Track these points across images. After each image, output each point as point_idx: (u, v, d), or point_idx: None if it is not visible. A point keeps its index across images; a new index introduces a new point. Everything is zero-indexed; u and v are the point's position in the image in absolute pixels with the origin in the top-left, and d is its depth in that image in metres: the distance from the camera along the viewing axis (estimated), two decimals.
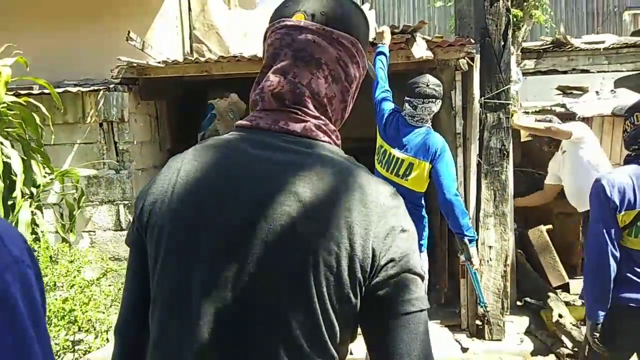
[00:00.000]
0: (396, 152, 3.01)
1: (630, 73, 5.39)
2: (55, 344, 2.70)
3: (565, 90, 4.87)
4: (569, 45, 5.65)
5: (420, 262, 0.83)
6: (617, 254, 2.12)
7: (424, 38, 3.90)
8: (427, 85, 2.99)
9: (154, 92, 4.29)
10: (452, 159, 3.03)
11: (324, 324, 0.76)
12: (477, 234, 3.94)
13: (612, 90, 4.62)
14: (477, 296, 3.52)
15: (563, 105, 4.60)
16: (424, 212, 3.09)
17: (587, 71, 5.84)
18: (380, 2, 9.25)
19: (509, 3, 3.92)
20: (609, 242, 2.11)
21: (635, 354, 2.32)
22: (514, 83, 4.06)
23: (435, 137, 3.00)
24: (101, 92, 3.92)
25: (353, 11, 0.89)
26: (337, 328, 0.77)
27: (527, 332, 3.92)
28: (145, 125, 4.35)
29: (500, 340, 3.80)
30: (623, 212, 2.11)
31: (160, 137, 4.62)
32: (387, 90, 3.27)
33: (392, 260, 0.76)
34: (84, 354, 2.94)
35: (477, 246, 3.91)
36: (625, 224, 2.13)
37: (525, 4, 5.16)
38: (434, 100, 3.00)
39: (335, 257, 0.74)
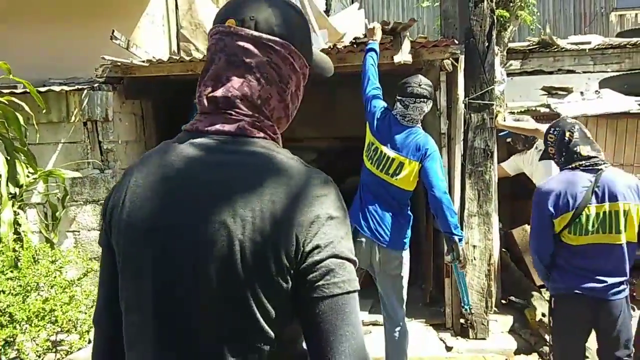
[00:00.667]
0: (387, 151, 3.00)
1: (615, 74, 5.44)
2: (36, 344, 2.69)
3: (550, 91, 4.91)
4: (555, 46, 5.70)
5: (351, 247, 0.86)
6: (548, 258, 2.51)
7: (409, 39, 3.91)
8: (419, 85, 2.98)
9: (139, 91, 4.28)
10: (441, 160, 3.06)
11: (258, 311, 0.81)
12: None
13: (596, 91, 4.66)
14: (460, 297, 3.51)
15: (548, 106, 4.64)
16: (409, 211, 3.09)
17: (572, 72, 5.89)
18: (369, 1, 9.26)
19: (494, 4, 3.95)
20: (542, 258, 2.53)
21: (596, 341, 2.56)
22: (498, 84, 4.09)
23: (426, 138, 3.01)
24: (85, 91, 3.90)
25: (285, 14, 0.91)
26: (273, 313, 0.82)
27: (511, 331, 3.95)
28: (131, 125, 4.33)
29: (484, 339, 3.83)
30: (559, 217, 2.40)
31: (146, 136, 4.60)
32: (378, 87, 3.25)
33: (317, 246, 0.80)
34: (65, 354, 2.93)
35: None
36: (562, 226, 2.41)
37: (511, 4, 5.19)
38: (425, 100, 3.00)
39: (260, 246, 0.79)
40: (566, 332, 2.54)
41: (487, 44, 3.89)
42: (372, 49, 3.34)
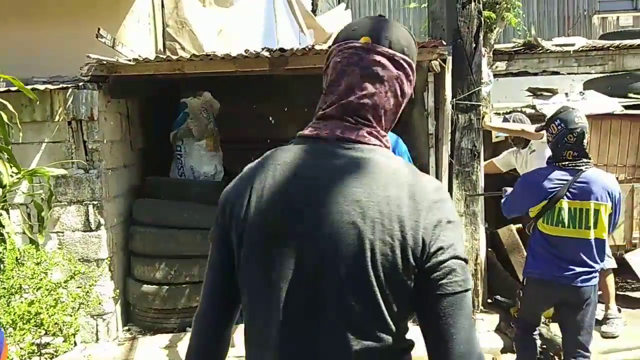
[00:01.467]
0: None
1: (599, 75, 5.53)
2: (21, 348, 2.64)
3: (535, 92, 4.96)
4: (540, 48, 5.77)
5: (464, 248, 1.06)
6: None
7: None
8: None
9: (125, 90, 4.22)
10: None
11: (383, 304, 0.91)
12: None
13: (580, 92, 4.74)
14: None
15: (533, 107, 4.69)
16: None
17: (557, 73, 5.97)
18: (355, 2, 9.28)
19: (481, 5, 3.98)
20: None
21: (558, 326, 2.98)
22: (485, 85, 4.12)
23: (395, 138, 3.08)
24: (70, 90, 3.84)
25: (408, 36, 1.05)
26: (395, 307, 0.92)
27: (497, 330, 3.98)
28: (116, 124, 4.27)
29: None
30: (535, 206, 2.75)
31: (132, 136, 4.54)
32: None
33: (440, 248, 0.91)
34: (50, 358, 2.88)
35: None
36: (535, 213, 2.76)
37: (497, 6, 5.24)
38: None
39: (389, 247, 0.90)
40: (532, 308, 2.97)
41: (474, 45, 3.93)
42: None
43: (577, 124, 2.68)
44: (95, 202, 3.89)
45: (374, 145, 0.98)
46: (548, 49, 5.86)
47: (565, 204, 2.65)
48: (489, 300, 4.36)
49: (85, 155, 3.91)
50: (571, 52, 5.88)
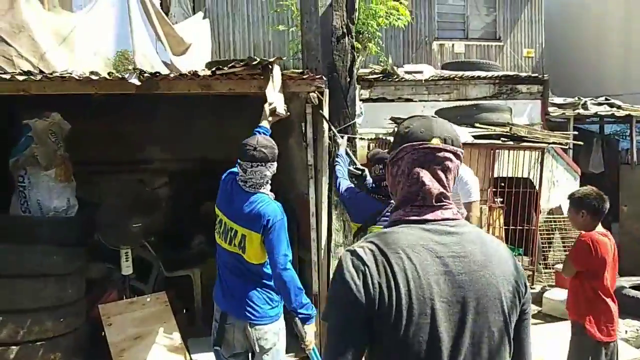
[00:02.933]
0: (230, 222, 2.73)
1: (445, 102, 6.09)
2: None
3: (397, 121, 5.27)
4: (396, 76, 6.18)
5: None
6: None
7: (279, 71, 3.85)
8: (255, 149, 2.68)
9: None
10: (285, 230, 2.73)
11: (508, 340, 1.26)
12: (329, 264, 4.03)
13: None
14: None
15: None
16: (271, 283, 2.76)
17: (410, 100, 6.47)
18: (214, 11, 8.97)
19: (354, 40, 4.08)
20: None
21: None
22: (357, 116, 4.24)
23: (269, 205, 2.71)
24: None
25: (455, 131, 1.35)
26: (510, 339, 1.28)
27: None
28: None
29: None
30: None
31: None
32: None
33: (526, 289, 1.30)
34: None
35: (329, 277, 4.01)
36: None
37: (360, 36, 5.47)
38: (263, 164, 2.70)
39: (512, 295, 1.25)
40: None
41: (349, 79, 4.02)
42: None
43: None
44: None
45: (460, 219, 1.30)
46: (403, 78, 6.32)
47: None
48: None
49: None
50: (422, 81, 6.43)
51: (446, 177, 1.29)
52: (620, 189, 7.32)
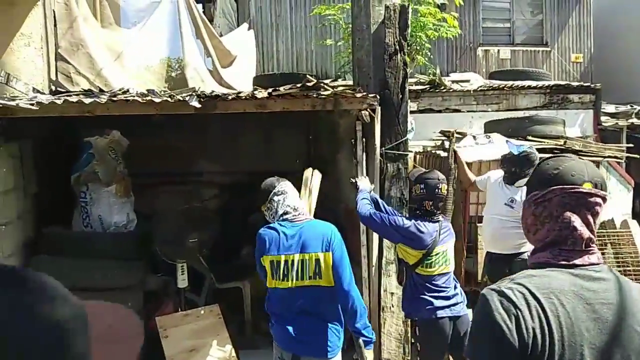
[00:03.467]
0: (295, 255, 2.67)
1: (498, 115, 5.97)
2: None
3: (446, 134, 5.21)
4: (444, 87, 6.11)
5: None
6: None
7: (329, 86, 3.88)
8: (273, 185, 2.80)
9: (20, 131, 3.66)
10: (344, 247, 2.73)
11: None
12: (380, 281, 4.03)
13: (487, 136, 5.06)
14: None
15: (447, 150, 4.91)
16: (338, 309, 2.74)
17: (458, 110, 6.39)
18: (258, 22, 9.10)
19: (406, 57, 4.07)
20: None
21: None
22: (409, 132, 4.22)
23: (325, 224, 2.75)
24: None
25: (600, 173, 1.38)
26: None
27: None
28: (9, 170, 3.69)
29: None
30: (415, 252, 3.21)
31: (25, 181, 3.95)
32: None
33: None
34: None
35: (379, 294, 4.00)
36: (415, 261, 3.22)
37: (409, 48, 5.43)
38: (281, 193, 2.78)
39: None
40: (434, 353, 3.30)
41: (400, 96, 4.00)
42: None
43: (430, 183, 3.25)
44: None
45: (603, 263, 1.30)
46: (450, 88, 6.24)
47: (439, 249, 3.20)
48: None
49: None
50: (471, 92, 6.33)
51: (594, 222, 1.30)
52: None
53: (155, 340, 4.06)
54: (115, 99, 3.39)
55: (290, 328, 2.69)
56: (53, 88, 4.81)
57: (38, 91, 4.20)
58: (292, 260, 2.67)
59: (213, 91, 3.84)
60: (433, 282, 3.20)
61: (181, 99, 3.44)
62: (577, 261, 1.27)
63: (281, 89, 3.58)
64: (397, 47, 3.98)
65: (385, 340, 3.96)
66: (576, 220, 1.28)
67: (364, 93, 3.79)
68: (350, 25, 6.70)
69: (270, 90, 3.62)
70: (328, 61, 8.96)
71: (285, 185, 2.81)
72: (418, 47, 5.59)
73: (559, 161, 1.37)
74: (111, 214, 3.97)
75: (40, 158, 4.20)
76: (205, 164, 5.53)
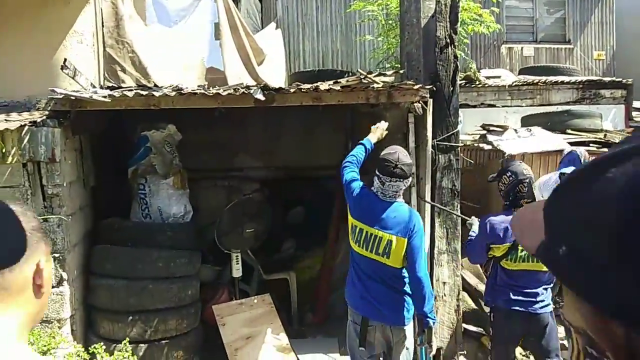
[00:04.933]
0: (373, 230, 2.87)
1: (534, 111, 6.03)
2: None
3: (487, 128, 5.28)
4: (479, 82, 6.17)
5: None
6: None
7: (380, 80, 3.96)
8: (396, 166, 2.85)
9: (85, 125, 3.77)
10: (424, 235, 2.92)
11: None
12: (432, 271, 4.10)
13: (528, 129, 5.12)
14: None
15: (490, 143, 4.98)
16: (408, 288, 2.92)
17: (493, 105, 6.45)
18: (285, 21, 9.21)
19: (457, 50, 4.14)
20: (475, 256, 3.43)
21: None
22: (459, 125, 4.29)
23: (411, 213, 2.93)
24: (26, 128, 3.33)
25: None
26: None
27: None
28: (73, 163, 3.80)
29: None
30: (496, 246, 3.16)
31: (85, 173, 4.06)
32: (356, 172, 3.14)
33: None
34: None
35: (432, 284, 4.07)
36: (499, 254, 3.16)
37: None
38: (401, 179, 2.88)
39: None
40: (502, 341, 3.28)
41: (452, 89, 4.07)
42: (363, 145, 3.33)
43: (525, 176, 3.12)
44: (56, 255, 3.41)
45: None
46: (486, 83, 6.30)
47: None
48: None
49: (44, 201, 3.42)
50: (506, 87, 6.39)
51: None
52: None
53: (210, 328, 4.16)
54: (184, 92, 3.48)
55: (361, 290, 2.91)
56: (103, 84, 4.92)
57: (94, 86, 4.31)
58: (368, 232, 2.90)
59: (279, 86, 3.92)
60: (514, 277, 3.15)
61: (246, 92, 3.53)
62: None
63: (342, 80, 3.66)
64: (449, 40, 4.06)
65: (438, 329, 4.02)
66: None
67: (419, 85, 3.87)
68: (385, 22, 6.80)
69: (330, 82, 3.70)
70: (353, 58, 9.04)
71: (409, 179, 3.02)
72: (457, 42, 5.65)
73: None
74: (170, 205, 4.07)
75: (97, 151, 4.31)
76: (246, 159, 5.63)
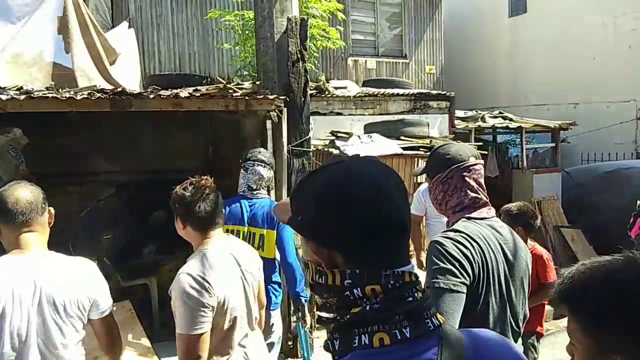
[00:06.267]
0: (247, 229, 3.24)
1: (375, 119, 6.78)
2: None
3: (336, 134, 5.83)
4: (328, 92, 6.77)
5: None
6: None
7: (239, 89, 4.22)
8: (260, 152, 3.38)
9: None
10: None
11: None
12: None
13: (369, 135, 5.78)
14: (303, 353, 3.82)
15: (337, 147, 5.52)
16: (277, 277, 3.37)
17: (340, 114, 7.09)
18: (139, 22, 8.94)
19: (307, 64, 4.57)
20: None
21: None
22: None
23: (269, 202, 3.35)
24: None
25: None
26: None
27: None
28: None
29: None
30: None
31: None
32: None
33: None
34: None
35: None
36: None
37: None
38: (263, 165, 3.33)
39: None
40: None
41: (303, 99, 4.50)
42: None
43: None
44: None
45: None
46: (334, 94, 6.92)
47: None
48: None
49: None
50: (351, 97, 7.07)
51: (483, 183, 1.83)
52: (514, 190, 8.54)
53: None
54: (34, 96, 3.37)
55: None
56: None
57: None
58: (241, 232, 3.24)
59: (136, 91, 3.95)
60: None
61: (102, 97, 3.53)
62: (485, 215, 1.77)
63: (202, 88, 3.85)
64: (299, 55, 4.47)
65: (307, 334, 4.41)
66: (474, 186, 1.77)
67: (275, 95, 4.21)
68: (242, 32, 7.06)
69: (191, 90, 3.86)
70: (211, 63, 9.14)
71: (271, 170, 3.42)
72: (307, 56, 6.14)
73: (447, 148, 1.84)
74: None
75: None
76: (101, 163, 5.47)
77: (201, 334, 1.98)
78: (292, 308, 3.51)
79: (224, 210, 2.82)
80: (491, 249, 1.67)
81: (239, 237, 3.20)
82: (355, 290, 0.88)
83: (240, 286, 2.22)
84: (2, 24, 5.42)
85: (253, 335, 2.33)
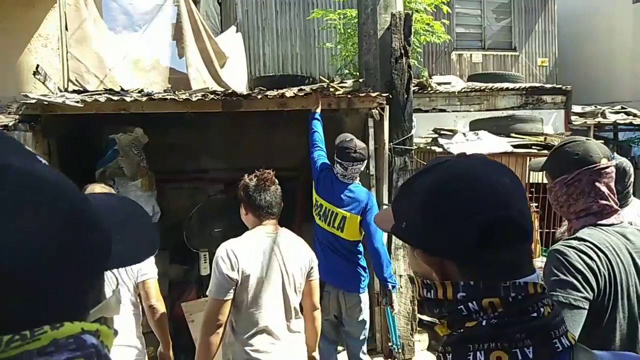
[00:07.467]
0: (331, 207, 3.36)
1: (482, 116, 6.46)
2: None
3: (439, 132, 5.64)
4: (431, 88, 6.56)
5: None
6: None
7: (340, 87, 4.23)
8: (355, 151, 3.36)
9: (56, 129, 3.85)
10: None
11: None
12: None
13: (475, 133, 5.52)
14: (391, 337, 3.86)
15: (440, 145, 5.34)
16: (363, 260, 3.41)
17: (444, 110, 6.85)
18: (245, 25, 9.35)
19: (410, 61, 4.46)
20: None
21: None
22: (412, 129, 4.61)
23: (366, 193, 3.41)
24: None
25: None
26: None
27: (429, 348, 4.49)
28: None
29: (410, 358, 4.30)
30: None
31: None
32: (322, 151, 3.64)
33: None
34: None
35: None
36: None
37: None
38: (361, 162, 3.39)
39: None
40: None
41: (406, 96, 4.39)
42: (316, 118, 3.75)
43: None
44: None
45: None
46: (437, 90, 6.70)
47: None
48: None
49: None
50: (455, 93, 6.81)
51: (614, 187, 1.67)
52: (637, 193, 7.71)
53: (180, 327, 4.31)
54: (155, 98, 3.63)
55: (321, 258, 3.20)
56: (69, 87, 4.97)
57: (60, 90, 4.38)
58: (327, 208, 3.36)
59: (244, 93, 4.12)
60: None
61: (215, 98, 3.72)
62: (614, 221, 1.60)
63: (306, 88, 3.90)
64: (403, 51, 4.37)
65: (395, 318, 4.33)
66: (605, 192, 1.60)
67: (377, 93, 4.16)
68: (344, 30, 7.10)
69: (296, 89, 3.94)
70: (312, 63, 9.31)
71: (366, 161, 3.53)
72: (410, 53, 6.02)
73: (575, 146, 1.65)
74: None
75: (65, 154, 4.37)
76: (210, 160, 5.78)
77: (224, 300, 2.16)
78: (379, 294, 3.52)
79: (281, 203, 2.82)
80: (620, 259, 1.51)
81: (320, 211, 3.36)
82: (470, 304, 0.80)
83: (274, 273, 2.28)
84: (127, 33, 5.92)
85: (289, 331, 2.33)
